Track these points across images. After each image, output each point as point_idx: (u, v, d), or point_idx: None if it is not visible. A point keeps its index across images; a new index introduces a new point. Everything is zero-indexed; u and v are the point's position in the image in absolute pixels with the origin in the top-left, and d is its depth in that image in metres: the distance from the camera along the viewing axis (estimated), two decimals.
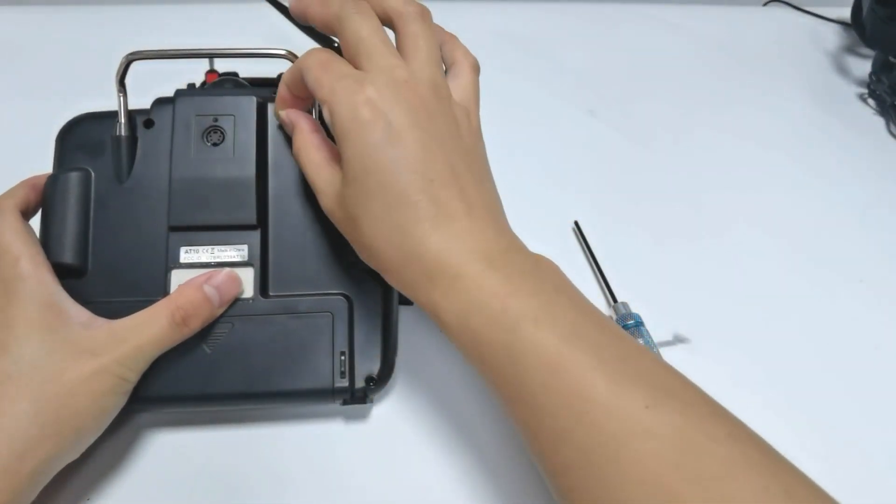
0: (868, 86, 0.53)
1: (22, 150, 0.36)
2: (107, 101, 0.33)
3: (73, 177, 0.30)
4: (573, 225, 0.42)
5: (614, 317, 0.37)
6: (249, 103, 0.31)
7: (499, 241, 0.26)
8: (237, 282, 0.30)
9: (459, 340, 0.25)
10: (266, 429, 0.32)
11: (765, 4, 0.64)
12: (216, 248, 0.30)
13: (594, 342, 0.24)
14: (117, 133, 0.31)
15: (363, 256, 0.28)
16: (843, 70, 0.56)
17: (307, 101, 0.31)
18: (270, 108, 0.32)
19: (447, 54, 0.31)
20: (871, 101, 0.53)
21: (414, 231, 0.25)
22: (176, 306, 0.28)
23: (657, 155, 0.48)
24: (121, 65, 0.31)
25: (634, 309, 0.37)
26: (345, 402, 0.31)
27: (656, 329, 0.36)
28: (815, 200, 0.45)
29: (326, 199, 0.28)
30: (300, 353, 0.30)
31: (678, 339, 0.37)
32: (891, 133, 0.51)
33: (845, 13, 0.58)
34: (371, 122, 0.25)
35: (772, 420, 0.34)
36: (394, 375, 0.32)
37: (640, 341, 0.35)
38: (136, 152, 0.31)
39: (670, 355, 0.35)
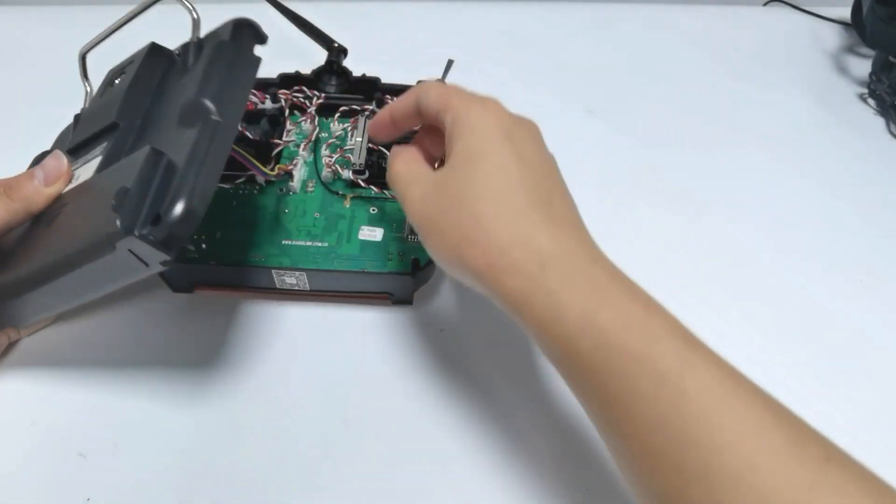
0: (868, 86, 0.53)
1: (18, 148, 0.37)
2: None
3: (40, 156, 0.35)
4: None
5: None
6: (147, 48, 0.34)
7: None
8: (60, 159, 0.31)
9: (565, 335, 0.24)
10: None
11: (765, 4, 0.64)
12: (88, 155, 0.32)
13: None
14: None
15: (449, 240, 0.27)
16: (843, 70, 0.56)
17: (402, 131, 0.32)
18: (171, 51, 0.34)
19: None
20: (871, 101, 0.53)
21: (529, 215, 0.26)
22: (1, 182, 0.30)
23: (656, 154, 0.48)
24: (79, 62, 0.35)
25: None
26: (122, 235, 0.24)
27: None
28: (815, 200, 0.45)
29: (418, 188, 0.29)
30: (91, 212, 0.27)
31: None
32: (891, 133, 0.51)
33: (845, 13, 0.58)
34: (496, 121, 0.28)
35: None
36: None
37: None
38: None
39: None
